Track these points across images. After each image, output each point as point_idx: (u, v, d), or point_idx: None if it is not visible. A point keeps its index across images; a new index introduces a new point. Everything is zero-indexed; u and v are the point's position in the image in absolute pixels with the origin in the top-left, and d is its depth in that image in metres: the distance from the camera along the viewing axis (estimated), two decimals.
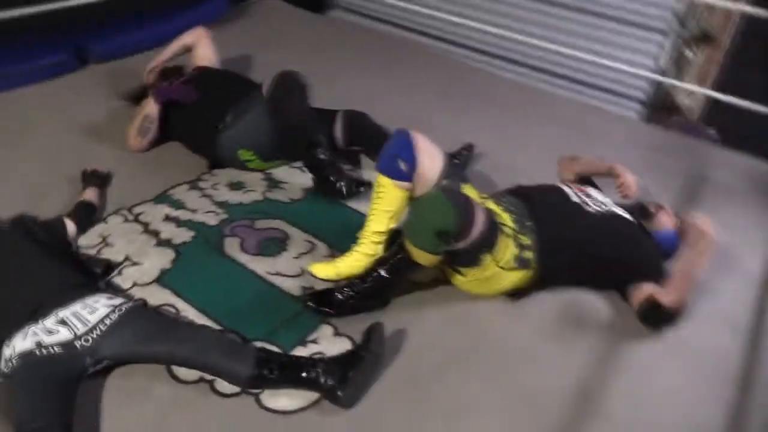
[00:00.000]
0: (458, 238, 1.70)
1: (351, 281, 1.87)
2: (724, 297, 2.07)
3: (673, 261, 2.01)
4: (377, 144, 2.10)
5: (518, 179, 2.22)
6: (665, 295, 1.88)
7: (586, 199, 2.05)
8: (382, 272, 1.82)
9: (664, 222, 2.14)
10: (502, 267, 1.86)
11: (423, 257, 1.76)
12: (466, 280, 1.92)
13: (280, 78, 2.38)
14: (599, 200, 2.07)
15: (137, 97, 2.71)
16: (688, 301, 1.92)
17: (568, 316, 1.95)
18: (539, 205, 2.00)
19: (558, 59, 3.75)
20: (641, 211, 2.15)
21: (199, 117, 2.45)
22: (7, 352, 1.49)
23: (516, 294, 1.98)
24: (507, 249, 1.85)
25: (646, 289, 1.93)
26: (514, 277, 1.91)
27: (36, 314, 1.55)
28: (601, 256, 1.98)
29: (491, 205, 1.98)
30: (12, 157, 2.46)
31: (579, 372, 1.76)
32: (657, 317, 1.90)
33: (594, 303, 2.00)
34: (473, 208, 1.71)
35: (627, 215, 2.07)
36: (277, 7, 4.29)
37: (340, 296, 1.84)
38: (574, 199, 2.04)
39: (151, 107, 2.49)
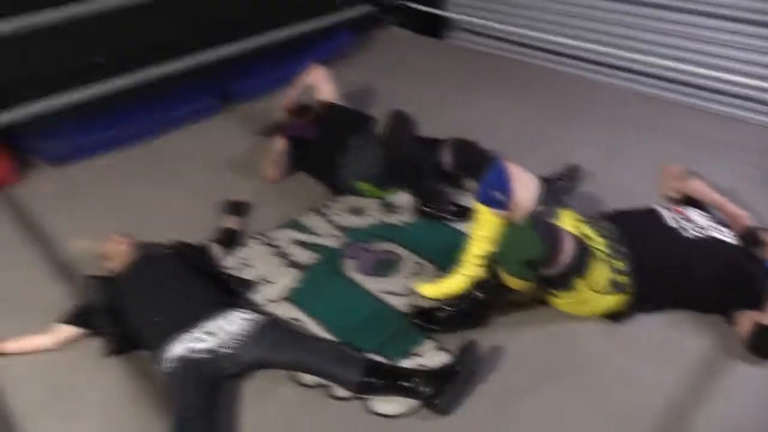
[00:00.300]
0: (546, 266, 1.82)
1: (452, 301, 2.05)
2: None
3: None
4: (482, 170, 2.26)
5: (626, 198, 2.28)
6: None
7: (685, 224, 2.07)
8: (479, 294, 1.99)
9: None
10: (596, 291, 1.95)
11: (514, 283, 1.90)
12: (562, 302, 2.03)
13: (391, 117, 2.65)
14: (699, 224, 2.07)
15: (271, 133, 3.08)
16: None
17: (666, 338, 1.99)
18: (634, 231, 2.06)
19: (680, 67, 3.65)
20: (751, 238, 2.10)
21: (322, 153, 2.78)
22: (167, 355, 1.84)
23: (615, 316, 2.05)
24: (600, 274, 1.93)
25: (752, 316, 1.92)
26: (610, 300, 1.99)
27: (189, 326, 1.90)
28: (698, 282, 2.00)
29: (587, 229, 2.06)
30: (168, 193, 2.90)
31: (673, 393, 1.82)
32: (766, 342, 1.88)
33: (694, 326, 2.03)
34: (561, 238, 1.82)
35: (731, 240, 2.06)
36: (397, 35, 4.59)
37: (442, 314, 2.03)
38: (671, 223, 2.07)
39: (280, 143, 2.85)
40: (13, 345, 2.04)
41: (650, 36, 3.73)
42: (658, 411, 1.76)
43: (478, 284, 2.02)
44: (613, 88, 3.76)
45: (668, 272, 2.00)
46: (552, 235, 1.83)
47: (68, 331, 2.05)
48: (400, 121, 2.65)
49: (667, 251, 2.02)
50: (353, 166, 2.72)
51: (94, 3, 3.05)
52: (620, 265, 1.97)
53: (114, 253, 2.23)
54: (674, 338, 1.99)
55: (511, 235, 1.90)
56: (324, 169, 2.80)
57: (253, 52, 3.78)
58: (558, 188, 2.50)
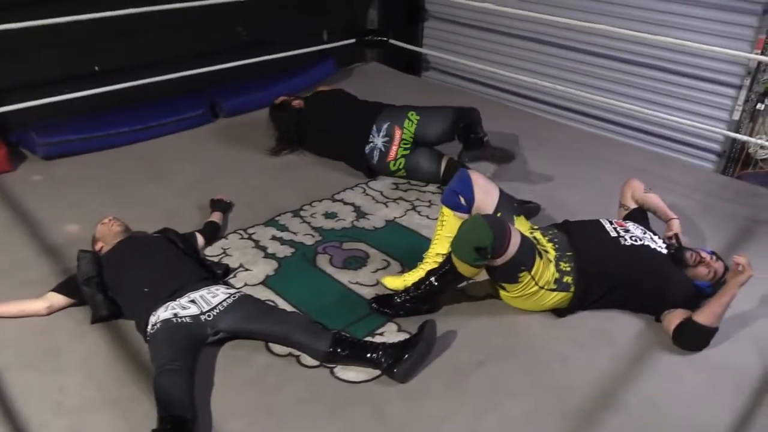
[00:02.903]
0: (494, 255, 2.06)
1: (407, 288, 2.27)
2: (758, 323, 2.28)
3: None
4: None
5: (575, 217, 2.53)
6: (699, 316, 2.12)
7: (624, 234, 2.33)
8: (433, 280, 2.21)
9: (701, 273, 2.30)
10: (542, 287, 2.19)
11: (465, 268, 2.13)
12: (511, 295, 2.26)
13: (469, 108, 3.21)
14: (636, 234, 2.34)
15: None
16: (720, 325, 2.13)
17: (600, 329, 2.24)
18: (580, 238, 2.32)
19: (637, 115, 4.05)
20: (680, 257, 2.31)
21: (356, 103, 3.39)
22: (153, 319, 2.02)
23: (558, 312, 2.29)
24: (547, 271, 2.18)
25: (679, 313, 2.18)
26: (555, 298, 2.24)
27: (174, 295, 2.08)
28: (633, 283, 2.25)
29: (538, 235, 2.33)
30: (158, 189, 3.11)
31: (604, 374, 2.05)
32: (692, 335, 2.13)
33: (626, 322, 2.28)
34: (508, 231, 2.06)
35: (661, 249, 2.32)
36: (377, 70, 4.90)
37: (397, 299, 2.25)
38: (612, 233, 2.33)
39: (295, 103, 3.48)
40: (3, 308, 2.19)
41: (599, 83, 4.23)
42: (590, 388, 1.99)
43: (432, 272, 2.24)
44: (577, 132, 4.15)
45: (608, 273, 2.25)
46: (501, 227, 2.06)
47: (59, 298, 2.22)
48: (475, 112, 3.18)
49: (607, 256, 2.27)
50: (413, 108, 3.22)
51: (96, 13, 3.29)
52: (566, 267, 2.23)
53: (105, 234, 2.40)
54: (607, 330, 2.24)
55: (465, 224, 2.14)
56: (366, 110, 3.26)
57: (242, 70, 4.05)
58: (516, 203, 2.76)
